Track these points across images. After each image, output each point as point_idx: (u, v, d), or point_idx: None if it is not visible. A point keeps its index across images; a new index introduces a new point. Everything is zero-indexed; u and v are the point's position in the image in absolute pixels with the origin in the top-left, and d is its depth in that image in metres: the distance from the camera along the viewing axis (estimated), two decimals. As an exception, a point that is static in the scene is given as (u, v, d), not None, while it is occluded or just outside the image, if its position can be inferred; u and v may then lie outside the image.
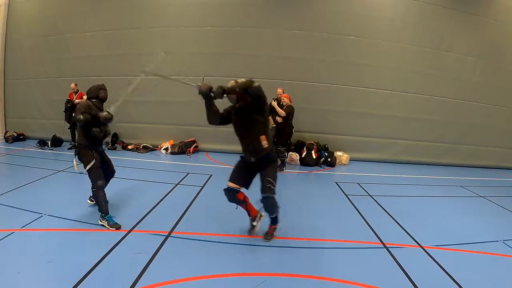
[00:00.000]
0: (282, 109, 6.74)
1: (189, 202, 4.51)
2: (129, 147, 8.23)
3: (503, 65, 8.31)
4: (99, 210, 3.66)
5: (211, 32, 8.15)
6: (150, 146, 8.34)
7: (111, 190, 4.33)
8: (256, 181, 3.37)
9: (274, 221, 3.51)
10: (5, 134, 9.17)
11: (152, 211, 4.15)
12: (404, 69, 8.06)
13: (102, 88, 3.87)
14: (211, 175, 5.93)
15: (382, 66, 8.02)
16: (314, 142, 7.81)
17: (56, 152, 7.77)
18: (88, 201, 4.19)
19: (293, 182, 6.42)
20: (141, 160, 7.30)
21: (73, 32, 8.64)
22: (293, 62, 8.01)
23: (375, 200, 5.12)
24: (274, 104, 6.86)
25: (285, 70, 7.97)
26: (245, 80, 3.07)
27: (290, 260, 3.10)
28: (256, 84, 3.03)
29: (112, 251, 3.05)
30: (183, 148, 8.07)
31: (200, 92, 3.10)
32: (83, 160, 3.72)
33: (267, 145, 3.22)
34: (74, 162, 3.81)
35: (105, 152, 4.09)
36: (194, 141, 8.27)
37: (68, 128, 7.85)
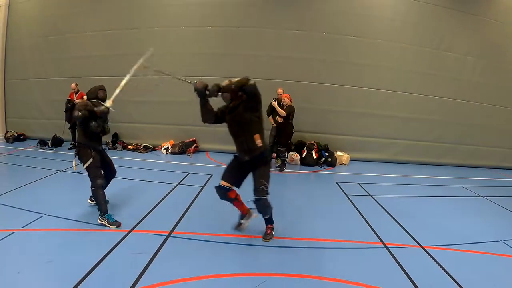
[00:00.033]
0: (282, 109, 6.75)
1: (190, 202, 4.51)
2: (130, 147, 8.24)
3: (503, 65, 8.31)
4: (98, 209, 3.68)
5: (211, 32, 8.15)
6: (151, 146, 8.34)
7: (111, 190, 4.34)
8: (250, 181, 3.37)
9: (269, 221, 3.50)
10: (5, 134, 9.18)
11: (153, 211, 4.15)
12: (404, 69, 8.06)
13: (101, 88, 3.95)
14: (211, 175, 5.92)
15: (382, 66, 8.02)
16: (314, 142, 7.81)
17: (57, 152, 7.77)
18: (89, 201, 4.19)
19: (293, 182, 6.43)
20: (141, 160, 7.31)
21: (73, 32, 8.65)
22: (293, 62, 8.02)
23: (376, 200, 5.12)
24: (275, 104, 6.86)
25: (285, 70, 7.98)
26: (240, 79, 3.10)
27: (290, 260, 3.10)
28: (252, 82, 3.06)
29: (113, 251, 3.05)
30: (183, 148, 8.07)
31: (196, 89, 3.13)
32: (83, 160, 3.75)
33: (261, 144, 3.24)
34: (73, 162, 3.83)
35: (106, 152, 4.10)
36: (194, 141, 8.28)
37: (69, 128, 7.85)
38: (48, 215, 3.79)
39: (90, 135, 3.74)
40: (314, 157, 7.52)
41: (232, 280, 2.73)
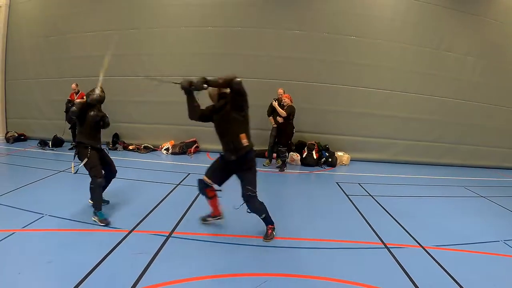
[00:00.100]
0: (283, 109, 6.75)
1: (190, 203, 4.51)
2: (130, 147, 8.24)
3: (503, 65, 8.31)
4: (93, 206, 3.73)
5: (211, 33, 8.15)
6: (151, 147, 8.34)
7: (112, 190, 4.35)
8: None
9: (267, 221, 3.50)
10: (6, 134, 9.19)
11: (153, 211, 4.16)
12: (404, 69, 8.06)
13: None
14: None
15: (382, 66, 8.02)
16: (315, 142, 7.82)
17: (57, 152, 7.78)
18: (89, 201, 4.17)
19: (294, 182, 6.44)
20: (142, 160, 7.31)
21: (74, 32, 8.65)
22: (294, 62, 8.01)
23: (376, 200, 5.12)
24: (275, 104, 6.87)
25: (286, 70, 7.97)
26: (227, 75, 3.16)
27: (290, 260, 3.11)
28: (238, 79, 3.11)
29: (113, 251, 3.05)
30: (184, 149, 8.07)
31: (182, 87, 3.20)
32: (82, 159, 3.81)
33: (247, 143, 3.27)
34: (72, 165, 3.85)
35: (106, 152, 4.13)
36: (195, 141, 8.28)
37: (69, 129, 7.85)
38: (49, 215, 3.80)
39: (89, 134, 3.82)
40: (315, 157, 7.52)
41: (232, 280, 2.73)
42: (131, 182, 5.36)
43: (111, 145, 8.25)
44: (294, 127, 7.02)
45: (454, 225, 4.24)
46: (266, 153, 7.50)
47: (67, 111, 7.77)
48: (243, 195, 3.30)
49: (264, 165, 7.16)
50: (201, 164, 7.13)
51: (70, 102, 7.76)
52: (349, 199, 5.15)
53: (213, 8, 8.09)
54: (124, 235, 3.40)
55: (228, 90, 3.24)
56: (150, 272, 2.74)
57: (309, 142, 7.79)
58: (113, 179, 4.20)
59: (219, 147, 3.49)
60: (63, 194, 4.64)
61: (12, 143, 8.67)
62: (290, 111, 6.74)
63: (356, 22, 7.95)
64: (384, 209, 4.70)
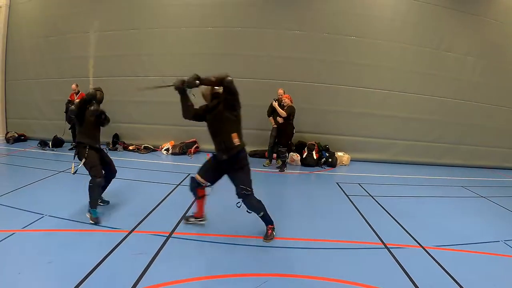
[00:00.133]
0: (283, 109, 6.75)
1: (190, 203, 4.50)
2: (130, 147, 8.24)
3: (503, 65, 8.31)
4: (89, 203, 3.75)
5: (211, 33, 8.16)
6: (151, 147, 8.35)
7: (112, 190, 4.35)
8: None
9: (266, 221, 3.50)
10: (6, 134, 9.19)
11: (153, 211, 4.16)
12: (404, 69, 8.06)
13: (98, 90, 4.05)
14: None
15: (382, 66, 8.02)
16: (315, 142, 7.81)
17: (57, 153, 7.79)
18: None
19: (294, 183, 6.44)
20: (142, 160, 7.31)
21: (74, 32, 8.64)
22: (294, 62, 8.02)
23: (376, 201, 5.12)
24: (275, 104, 6.87)
25: (286, 71, 7.98)
26: (220, 73, 3.20)
27: (291, 261, 3.11)
28: (229, 78, 3.16)
29: (113, 252, 3.05)
30: (184, 149, 8.07)
31: (176, 87, 3.26)
32: (81, 158, 3.84)
33: (238, 143, 3.30)
34: (72, 165, 3.86)
35: (106, 152, 4.14)
36: (195, 142, 8.28)
37: (69, 129, 7.85)
38: (49, 215, 3.80)
39: (88, 133, 3.87)
40: (315, 157, 7.52)
41: (232, 280, 2.73)
42: (131, 182, 5.37)
43: (111, 146, 8.25)
44: (294, 128, 7.02)
45: (454, 225, 4.24)
46: (266, 154, 7.50)
47: (67, 111, 7.79)
48: (238, 194, 3.32)
49: (264, 166, 7.16)
50: (201, 165, 7.13)
51: (70, 103, 7.77)
52: (349, 199, 5.15)
53: (213, 8, 8.10)
54: (124, 236, 3.40)
55: (221, 90, 3.28)
56: (150, 273, 2.74)
57: (309, 143, 7.79)
58: (113, 179, 4.20)
59: (218, 147, 3.49)
60: (63, 195, 4.64)
61: (12, 143, 8.68)
62: (290, 111, 6.74)
63: (356, 22, 7.95)
64: (384, 209, 4.70)
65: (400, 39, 7.98)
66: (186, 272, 2.78)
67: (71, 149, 7.86)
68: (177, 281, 2.65)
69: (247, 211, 3.43)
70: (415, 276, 2.88)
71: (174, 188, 5.18)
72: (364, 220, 4.24)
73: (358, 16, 7.94)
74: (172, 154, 7.99)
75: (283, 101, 6.82)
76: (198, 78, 3.16)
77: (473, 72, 8.21)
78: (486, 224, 4.37)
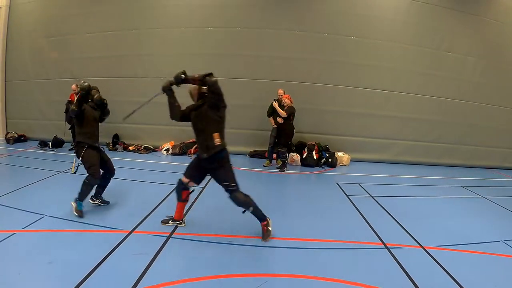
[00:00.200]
0: (283, 110, 6.76)
1: (190, 203, 4.50)
2: (130, 148, 8.24)
3: (503, 65, 8.32)
4: (79, 194, 3.81)
5: (212, 33, 8.15)
6: (151, 147, 8.35)
7: (112, 190, 4.35)
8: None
9: (258, 217, 3.47)
10: (6, 135, 9.19)
11: (153, 212, 4.16)
12: (404, 70, 8.06)
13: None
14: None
15: (382, 67, 8.03)
16: (315, 142, 7.81)
17: (57, 153, 7.79)
18: (90, 201, 4.19)
19: (294, 183, 6.44)
20: (142, 161, 7.31)
21: (74, 33, 8.66)
22: (294, 62, 8.02)
23: (376, 201, 5.12)
24: (275, 105, 6.87)
25: (286, 71, 7.98)
26: (206, 73, 3.27)
27: (290, 260, 3.11)
28: (214, 78, 3.22)
29: (114, 252, 3.05)
30: (184, 149, 8.08)
31: (163, 89, 3.44)
32: (78, 156, 3.90)
33: (219, 143, 3.35)
34: (73, 165, 3.87)
35: (105, 152, 4.16)
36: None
37: (69, 129, 7.85)
38: (49, 216, 3.80)
39: (87, 133, 3.91)
40: (315, 157, 7.53)
41: (233, 280, 2.73)
42: (131, 182, 5.37)
43: (111, 146, 8.25)
44: (294, 128, 7.02)
45: (454, 225, 4.24)
46: (266, 154, 7.50)
47: (67, 111, 7.79)
48: (225, 190, 3.38)
49: (264, 166, 7.16)
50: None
51: (70, 103, 7.76)
52: (349, 199, 5.15)
53: (214, 9, 8.11)
54: (125, 236, 3.40)
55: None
56: (151, 273, 2.74)
57: (309, 143, 7.79)
58: (112, 178, 4.21)
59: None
60: (63, 195, 4.62)
61: (12, 143, 8.67)
62: (290, 111, 6.74)
63: (356, 23, 7.96)
64: (384, 209, 4.70)
65: (400, 40, 7.99)
66: (186, 272, 2.79)
67: (71, 149, 7.88)
68: (177, 281, 2.65)
69: (242, 211, 3.43)
70: (415, 276, 2.87)
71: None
72: (364, 220, 4.24)
73: (358, 16, 7.95)
74: (172, 154, 7.99)
75: (283, 101, 6.82)
76: (184, 72, 3.27)
77: (473, 72, 8.22)
78: (486, 224, 4.37)
